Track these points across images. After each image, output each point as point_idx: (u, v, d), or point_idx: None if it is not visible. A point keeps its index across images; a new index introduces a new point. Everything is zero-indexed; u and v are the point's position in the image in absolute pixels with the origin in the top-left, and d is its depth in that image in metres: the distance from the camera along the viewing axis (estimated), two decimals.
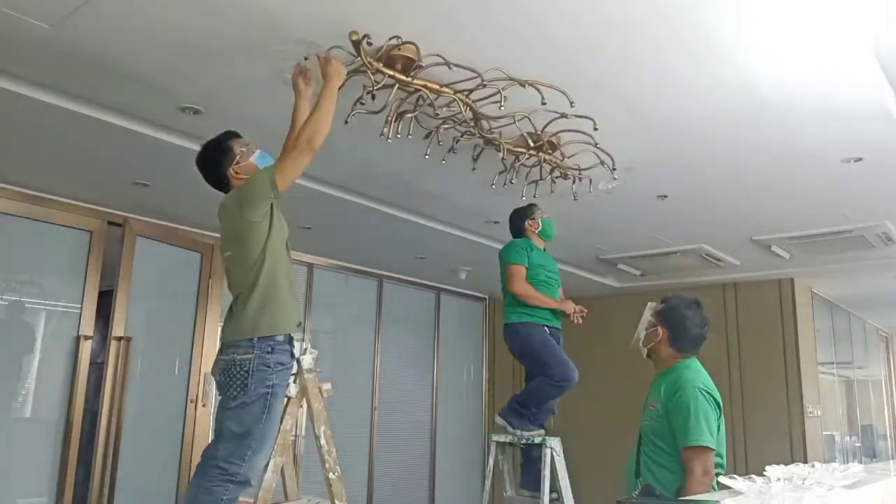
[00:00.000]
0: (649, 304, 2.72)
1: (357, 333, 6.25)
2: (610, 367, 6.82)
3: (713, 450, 2.33)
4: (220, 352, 2.48)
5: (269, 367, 2.39)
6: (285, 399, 2.82)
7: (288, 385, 2.80)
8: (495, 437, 3.57)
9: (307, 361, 2.86)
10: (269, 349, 2.40)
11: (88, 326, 4.27)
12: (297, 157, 2.40)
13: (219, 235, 2.65)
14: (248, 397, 2.36)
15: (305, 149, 2.39)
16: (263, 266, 2.42)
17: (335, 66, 2.45)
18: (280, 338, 2.43)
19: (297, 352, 2.55)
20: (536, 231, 3.66)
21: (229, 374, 2.38)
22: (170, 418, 4.57)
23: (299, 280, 5.65)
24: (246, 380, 2.35)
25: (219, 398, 2.51)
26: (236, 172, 2.53)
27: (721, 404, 2.47)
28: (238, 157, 2.54)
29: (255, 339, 2.37)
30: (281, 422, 2.82)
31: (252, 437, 2.37)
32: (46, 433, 4.05)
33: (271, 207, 2.45)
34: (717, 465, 2.39)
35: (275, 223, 2.47)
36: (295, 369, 2.84)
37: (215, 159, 2.56)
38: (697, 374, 2.48)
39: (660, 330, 2.59)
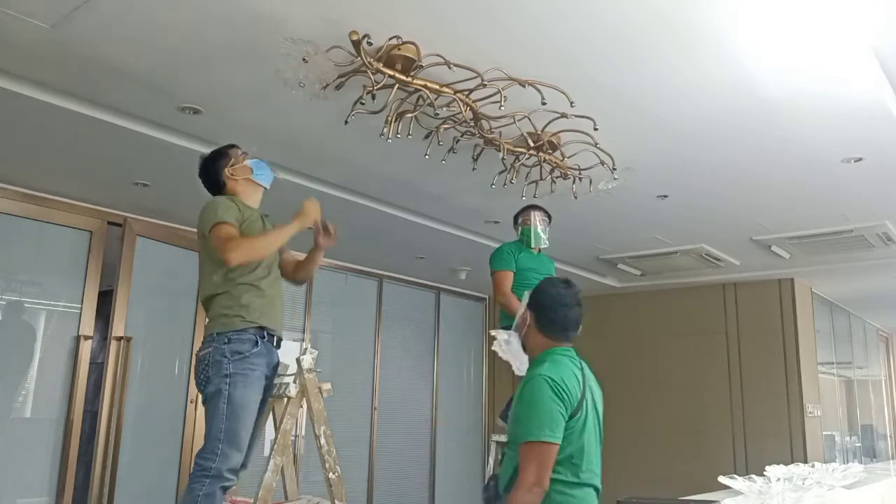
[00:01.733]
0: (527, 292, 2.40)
1: (357, 333, 6.25)
2: (610, 366, 6.82)
3: (551, 444, 2.00)
4: None
5: (225, 356, 2.46)
6: (284, 399, 2.82)
7: (288, 385, 2.81)
8: (495, 437, 3.57)
9: (307, 361, 2.86)
10: (227, 340, 2.48)
11: (88, 326, 4.27)
12: (227, 249, 2.44)
13: None
14: (208, 390, 2.47)
15: (231, 254, 2.43)
16: (226, 271, 2.53)
17: (309, 212, 2.62)
18: (245, 330, 2.50)
19: (291, 350, 2.61)
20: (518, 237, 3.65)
21: (196, 370, 2.53)
22: (170, 418, 4.57)
23: None
24: (207, 373, 2.47)
25: None
26: (231, 174, 2.67)
27: (584, 402, 2.12)
28: (233, 160, 2.68)
29: (215, 334, 2.49)
30: (281, 421, 2.82)
31: (219, 430, 2.43)
32: (46, 433, 4.05)
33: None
34: (576, 469, 2.07)
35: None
36: (294, 369, 2.85)
37: (213, 163, 2.70)
38: (553, 364, 2.14)
39: (527, 315, 2.27)
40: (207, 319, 2.57)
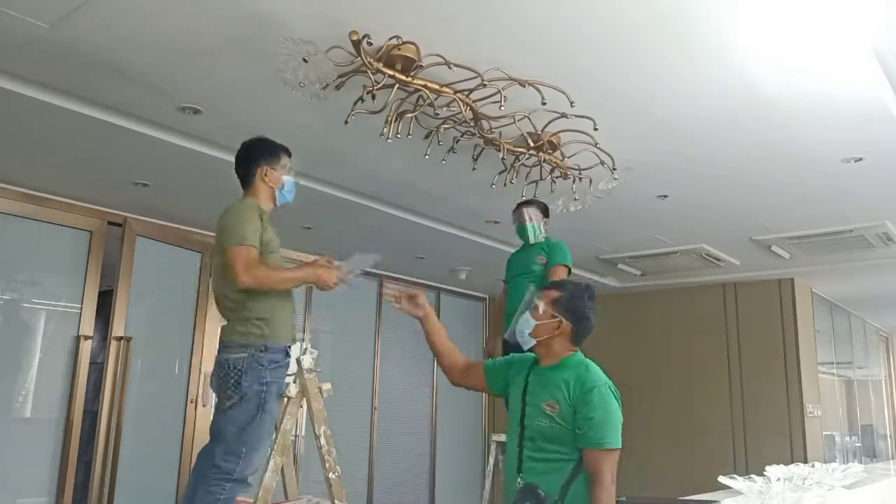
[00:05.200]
0: (533, 287, 2.44)
1: (357, 333, 6.25)
2: (609, 366, 6.80)
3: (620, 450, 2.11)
4: (218, 351, 2.55)
5: (262, 365, 2.46)
6: (284, 398, 2.82)
7: (288, 385, 2.81)
8: (495, 437, 3.57)
9: (307, 361, 2.86)
10: (263, 348, 2.47)
11: (88, 326, 4.26)
12: (245, 272, 2.45)
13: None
14: (241, 396, 2.43)
15: (246, 277, 2.44)
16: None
17: (327, 277, 2.67)
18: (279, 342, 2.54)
19: (293, 352, 2.63)
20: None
21: (223, 374, 2.46)
22: (170, 418, 4.57)
23: None
24: (239, 379, 2.43)
25: (215, 400, 2.58)
26: (265, 174, 2.65)
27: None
28: (277, 166, 2.66)
29: (251, 341, 2.48)
30: (281, 421, 2.82)
31: (247, 435, 2.43)
32: (46, 433, 4.05)
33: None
34: None
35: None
36: (294, 369, 2.85)
37: (259, 152, 2.67)
38: (599, 371, 2.22)
39: (563, 323, 2.24)
40: (235, 322, 2.52)
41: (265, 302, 2.52)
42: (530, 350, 2.34)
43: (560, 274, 3.46)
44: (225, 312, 2.58)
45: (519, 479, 2.17)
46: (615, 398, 2.14)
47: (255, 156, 2.67)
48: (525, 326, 2.29)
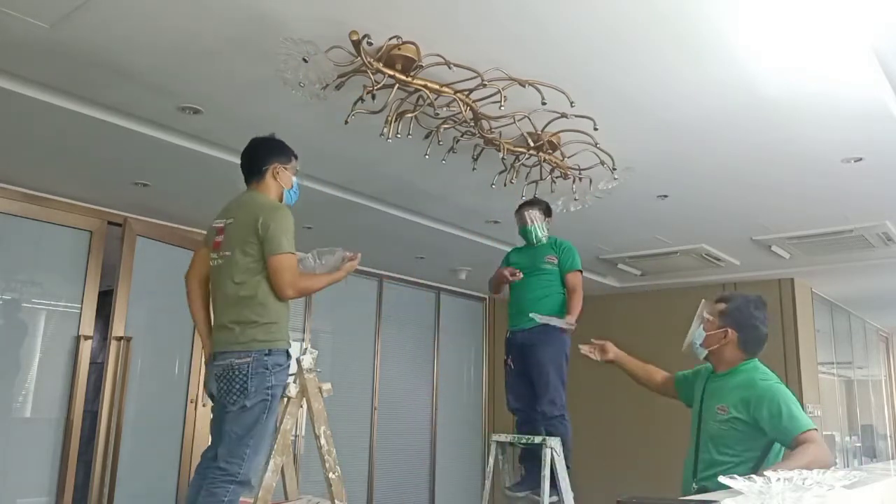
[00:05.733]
0: (704, 301, 2.60)
1: (357, 333, 6.25)
2: (609, 366, 6.82)
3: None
4: (215, 358, 2.54)
5: (267, 368, 2.46)
6: (284, 399, 2.83)
7: (288, 385, 2.81)
8: (495, 437, 3.57)
9: (307, 361, 2.86)
10: (268, 352, 2.47)
11: (88, 326, 4.27)
12: (291, 284, 2.53)
13: None
14: (248, 401, 2.43)
15: (291, 291, 2.54)
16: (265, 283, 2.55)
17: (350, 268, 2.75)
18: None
19: (292, 353, 2.64)
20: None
21: (228, 379, 2.45)
22: (170, 418, 4.57)
23: None
24: (245, 383, 2.42)
25: (213, 404, 2.59)
26: (276, 172, 2.70)
27: None
28: (288, 166, 2.73)
29: (255, 345, 2.49)
30: (281, 422, 2.82)
31: (251, 437, 2.44)
32: (46, 433, 4.05)
33: None
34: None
35: None
36: (295, 369, 2.85)
37: (275, 149, 2.73)
38: (769, 372, 2.41)
39: (729, 332, 2.45)
40: (241, 326, 2.50)
41: (276, 308, 2.53)
42: (705, 360, 2.57)
43: (576, 279, 3.56)
44: (225, 316, 2.53)
45: (694, 484, 2.32)
46: (789, 391, 2.28)
47: (269, 152, 2.71)
48: (696, 338, 2.53)
